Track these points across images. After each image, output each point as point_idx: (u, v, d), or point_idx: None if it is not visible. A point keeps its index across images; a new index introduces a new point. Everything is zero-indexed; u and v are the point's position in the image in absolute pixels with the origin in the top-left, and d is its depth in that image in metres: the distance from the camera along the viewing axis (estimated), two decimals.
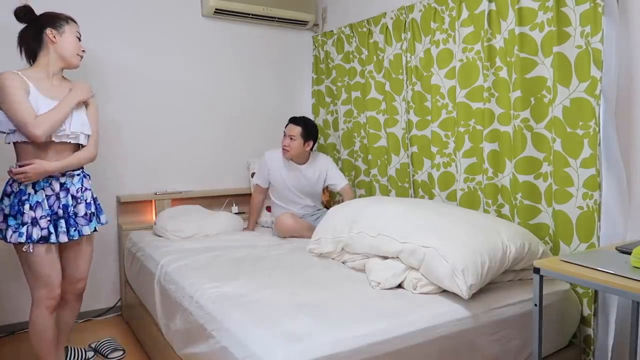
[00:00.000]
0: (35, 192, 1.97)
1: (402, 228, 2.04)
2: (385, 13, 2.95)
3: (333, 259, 2.35)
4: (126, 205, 3.09)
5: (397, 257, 2.02)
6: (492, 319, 1.82)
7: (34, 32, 2.04)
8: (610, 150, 1.97)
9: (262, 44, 3.55)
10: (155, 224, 2.93)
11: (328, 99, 3.59)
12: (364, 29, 3.13)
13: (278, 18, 3.46)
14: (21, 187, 1.97)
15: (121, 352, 2.51)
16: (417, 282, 1.91)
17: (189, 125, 3.31)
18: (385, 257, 2.07)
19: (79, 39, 2.12)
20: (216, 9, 3.22)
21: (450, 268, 1.79)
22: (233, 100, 3.46)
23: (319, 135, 3.66)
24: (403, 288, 1.96)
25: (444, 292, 1.89)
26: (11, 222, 1.95)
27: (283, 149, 3.02)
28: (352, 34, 3.26)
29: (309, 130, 3.02)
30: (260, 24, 3.51)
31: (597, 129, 1.96)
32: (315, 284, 1.99)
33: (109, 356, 2.46)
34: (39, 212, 1.96)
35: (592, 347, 2.06)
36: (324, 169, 3.13)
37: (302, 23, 3.60)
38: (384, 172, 3.13)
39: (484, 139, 2.41)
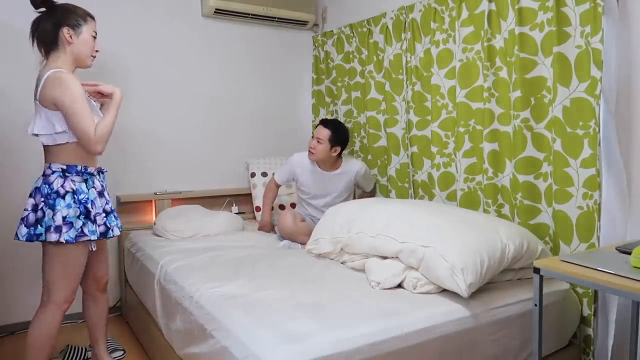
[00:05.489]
0: (88, 189, 1.96)
1: (401, 228, 2.04)
2: (385, 13, 2.95)
3: (332, 259, 2.35)
4: (126, 205, 3.09)
5: (397, 257, 2.02)
6: (492, 319, 1.82)
7: (50, 27, 1.90)
8: (610, 150, 1.97)
9: (262, 44, 3.54)
10: (155, 224, 2.93)
11: (328, 99, 3.58)
12: (364, 29, 3.13)
13: (278, 18, 3.46)
14: (76, 187, 1.91)
15: (121, 352, 2.50)
16: (416, 282, 1.91)
17: (189, 125, 3.31)
18: (385, 257, 2.07)
19: (95, 38, 2.00)
20: (216, 9, 3.22)
21: (449, 267, 1.79)
22: (233, 100, 3.46)
23: None
24: (403, 288, 1.96)
25: (444, 291, 1.89)
26: (73, 220, 1.89)
27: (309, 151, 2.93)
28: (352, 34, 3.26)
29: (337, 135, 2.86)
30: (260, 24, 3.51)
31: (597, 129, 1.96)
32: (315, 284, 1.99)
33: None
34: (94, 210, 1.96)
35: (592, 347, 2.06)
36: (353, 175, 3.00)
37: (302, 23, 3.59)
38: (384, 172, 3.13)
39: (484, 139, 2.41)
